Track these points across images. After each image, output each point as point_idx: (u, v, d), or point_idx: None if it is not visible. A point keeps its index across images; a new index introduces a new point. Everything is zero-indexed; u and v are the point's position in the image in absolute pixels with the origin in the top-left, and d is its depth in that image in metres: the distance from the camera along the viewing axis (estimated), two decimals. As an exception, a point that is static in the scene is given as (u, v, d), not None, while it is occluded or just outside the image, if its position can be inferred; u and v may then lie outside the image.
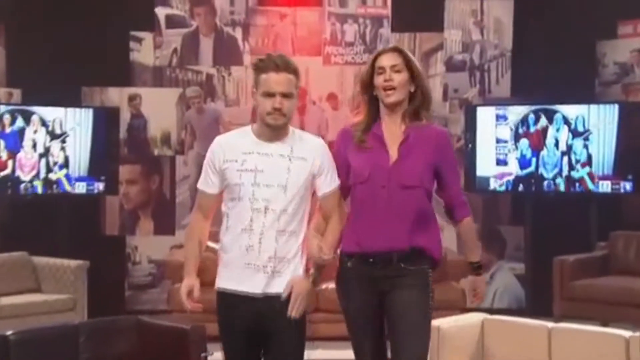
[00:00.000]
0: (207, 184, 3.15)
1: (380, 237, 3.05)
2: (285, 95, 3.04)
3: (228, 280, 3.07)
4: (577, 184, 6.53)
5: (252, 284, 3.03)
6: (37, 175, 6.53)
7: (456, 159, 3.27)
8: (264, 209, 3.02)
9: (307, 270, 3.08)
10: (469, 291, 3.40)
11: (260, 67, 3.05)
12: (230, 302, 3.06)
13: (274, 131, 3.08)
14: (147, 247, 7.24)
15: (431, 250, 3.10)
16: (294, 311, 3.00)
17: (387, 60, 3.12)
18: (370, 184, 3.08)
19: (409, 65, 3.12)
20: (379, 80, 3.12)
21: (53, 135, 6.60)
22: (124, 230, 7.28)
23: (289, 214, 3.04)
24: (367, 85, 3.16)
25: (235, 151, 3.08)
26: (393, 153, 3.10)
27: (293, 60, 3.08)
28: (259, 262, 3.03)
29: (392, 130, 3.13)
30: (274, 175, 3.05)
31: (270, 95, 3.01)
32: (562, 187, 6.57)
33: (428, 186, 3.10)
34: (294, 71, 3.06)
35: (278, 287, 3.04)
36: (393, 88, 3.09)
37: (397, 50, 3.16)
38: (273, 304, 3.01)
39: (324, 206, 3.14)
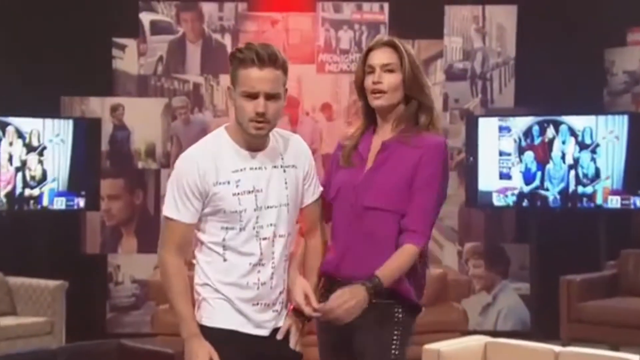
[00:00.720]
0: (188, 212, 2.67)
1: (344, 263, 2.76)
2: (271, 97, 2.62)
3: (225, 319, 2.71)
4: (584, 200, 6.50)
5: (260, 324, 2.73)
6: (13, 190, 6.46)
7: (438, 179, 2.73)
8: (273, 236, 2.70)
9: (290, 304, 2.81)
10: (299, 294, 2.71)
11: (239, 60, 2.62)
12: (226, 340, 2.71)
13: (258, 138, 2.69)
14: (130, 266, 7.17)
15: (396, 287, 2.69)
16: (297, 347, 2.79)
17: (378, 58, 2.76)
18: (339, 202, 2.79)
19: (404, 63, 2.74)
20: (367, 81, 2.78)
21: (30, 148, 6.54)
22: (105, 248, 7.21)
23: (292, 236, 2.77)
24: (360, 88, 2.82)
25: (224, 170, 2.67)
26: (369, 167, 2.79)
27: (280, 52, 2.66)
28: (269, 299, 2.73)
29: (381, 142, 2.81)
30: (275, 193, 2.71)
31: (251, 96, 2.61)
32: (568, 203, 6.54)
33: (401, 210, 2.71)
34: (282, 65, 2.64)
35: (282, 320, 2.78)
36: (382, 91, 2.74)
37: (392, 45, 2.77)
38: (278, 339, 2.76)
39: (307, 218, 2.83)
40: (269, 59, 2.61)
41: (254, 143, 2.71)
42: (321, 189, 2.86)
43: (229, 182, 2.66)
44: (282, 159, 2.76)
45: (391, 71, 2.74)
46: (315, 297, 2.75)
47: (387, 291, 2.68)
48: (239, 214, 2.66)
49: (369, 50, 2.81)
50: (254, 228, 2.68)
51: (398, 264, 2.67)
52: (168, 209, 2.69)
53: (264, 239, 2.69)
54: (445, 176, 2.74)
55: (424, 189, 2.69)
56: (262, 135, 2.68)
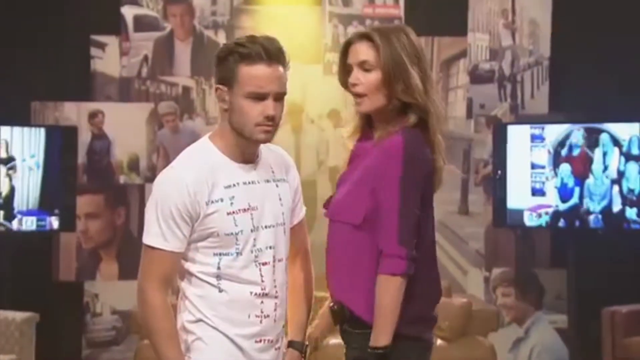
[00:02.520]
0: (176, 239, 2.60)
1: (329, 285, 2.81)
2: (280, 97, 2.61)
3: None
4: (631, 219, 6.36)
5: None
6: (-24, 209, 6.43)
7: (397, 186, 2.64)
8: (273, 260, 2.68)
9: None
10: None
11: (241, 55, 2.58)
12: None
13: (253, 148, 2.67)
14: (110, 295, 7.10)
15: (359, 311, 2.71)
16: None
17: (354, 54, 2.72)
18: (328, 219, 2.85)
19: (382, 58, 2.68)
20: (347, 82, 2.76)
21: (-3, 160, 6.52)
22: (81, 274, 7.15)
23: (288, 261, 2.78)
24: (346, 88, 2.81)
25: (217, 186, 2.63)
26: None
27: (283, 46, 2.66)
28: (273, 335, 2.70)
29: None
30: (271, 210, 2.70)
31: (260, 97, 2.58)
32: (612, 223, 6.42)
33: (352, 219, 2.70)
34: (287, 62, 2.64)
35: None
36: (361, 95, 2.71)
37: (368, 37, 2.71)
38: None
39: (296, 239, 2.82)
40: (277, 54, 2.60)
41: (248, 154, 2.68)
42: (305, 208, 2.89)
43: (222, 200, 2.61)
44: (273, 172, 2.75)
45: (369, 70, 2.69)
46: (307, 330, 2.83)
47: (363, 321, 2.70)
48: (234, 237, 2.61)
49: (347, 45, 2.76)
50: (252, 252, 2.63)
51: (381, 311, 2.63)
52: (151, 237, 2.61)
53: (264, 264, 2.65)
54: (408, 179, 2.63)
55: (386, 202, 2.64)
56: (269, 141, 2.66)
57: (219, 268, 2.62)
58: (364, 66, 2.69)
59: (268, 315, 2.66)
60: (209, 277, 2.63)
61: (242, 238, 2.62)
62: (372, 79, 2.68)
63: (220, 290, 2.62)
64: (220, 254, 2.62)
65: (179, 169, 2.63)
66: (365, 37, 2.71)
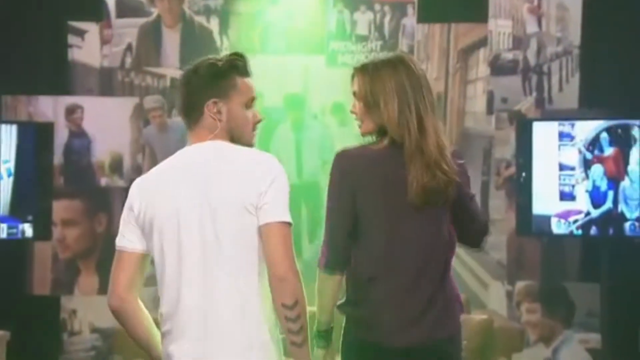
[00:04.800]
0: None
1: None
2: None
3: None
4: (671, 226, 6.34)
5: None
6: (-60, 215, 6.44)
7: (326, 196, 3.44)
8: None
9: None
10: None
11: (237, 67, 3.10)
12: None
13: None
14: (89, 311, 7.08)
15: None
16: None
17: (353, 85, 3.42)
18: None
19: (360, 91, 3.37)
20: None
21: (-36, 160, 6.51)
22: (58, 288, 7.14)
23: None
24: None
25: None
26: None
27: None
28: None
29: None
30: None
31: (252, 104, 3.13)
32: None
33: None
34: None
35: None
36: (358, 120, 3.42)
37: (356, 71, 3.42)
38: None
39: None
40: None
41: None
42: None
43: None
44: None
45: (359, 99, 3.39)
46: None
47: None
48: None
49: (353, 76, 3.48)
50: None
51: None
52: (289, 215, 2.94)
53: None
54: (328, 192, 3.34)
55: None
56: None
57: (263, 269, 2.96)
58: (356, 96, 3.40)
59: None
60: (260, 282, 2.96)
61: None
62: (359, 107, 3.39)
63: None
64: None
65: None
66: (355, 70, 3.42)
